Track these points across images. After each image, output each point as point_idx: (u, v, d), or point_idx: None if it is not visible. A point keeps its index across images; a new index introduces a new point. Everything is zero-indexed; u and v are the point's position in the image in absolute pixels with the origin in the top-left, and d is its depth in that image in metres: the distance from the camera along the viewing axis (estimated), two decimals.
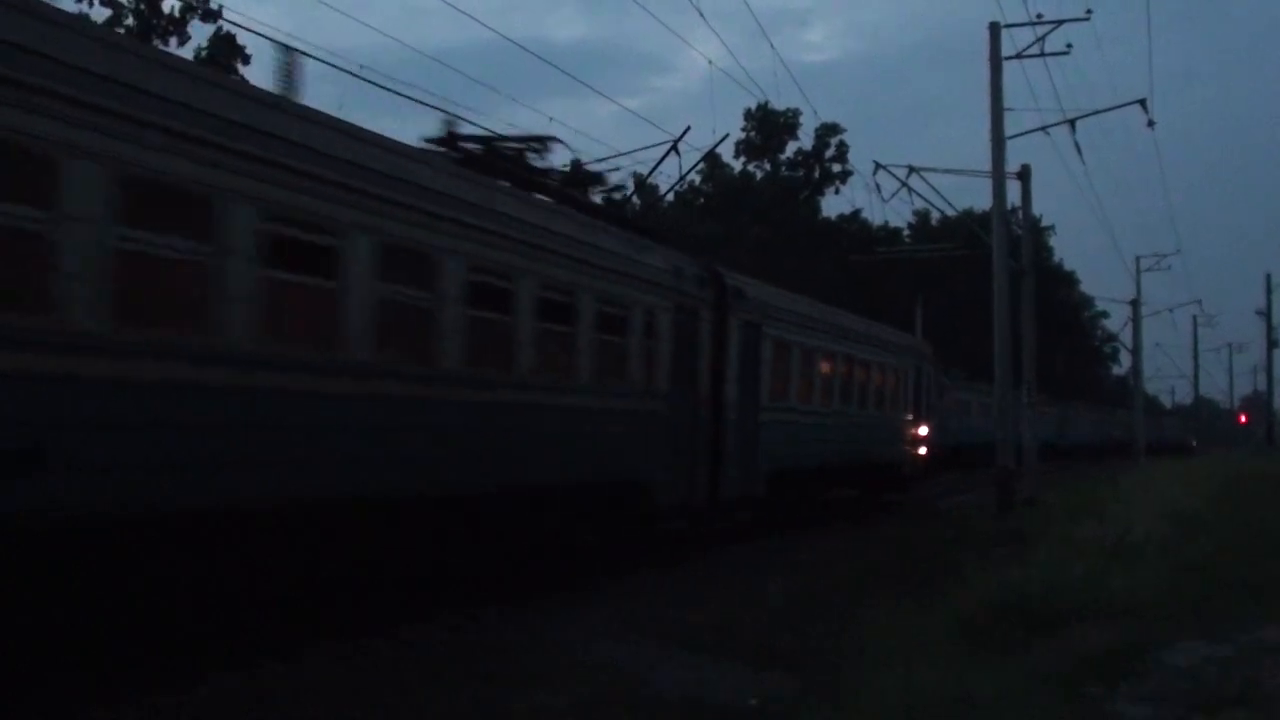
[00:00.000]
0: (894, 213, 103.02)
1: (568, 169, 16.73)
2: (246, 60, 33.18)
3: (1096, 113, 27.75)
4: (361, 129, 10.10)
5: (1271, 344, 64.53)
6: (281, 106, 9.51)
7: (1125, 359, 71.89)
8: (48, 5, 7.59)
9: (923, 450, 27.81)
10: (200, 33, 33.35)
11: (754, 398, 17.51)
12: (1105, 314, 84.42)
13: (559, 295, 12.39)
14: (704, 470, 15.89)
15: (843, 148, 59.49)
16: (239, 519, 8.37)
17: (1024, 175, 28.75)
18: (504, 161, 13.61)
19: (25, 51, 6.81)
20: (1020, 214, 30.67)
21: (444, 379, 10.58)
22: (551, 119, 59.14)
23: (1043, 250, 66.15)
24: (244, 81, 9.81)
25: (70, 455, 7.00)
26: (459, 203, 10.81)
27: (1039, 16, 25.00)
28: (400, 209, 9.90)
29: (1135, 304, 55.79)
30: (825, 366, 21.27)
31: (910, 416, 27.00)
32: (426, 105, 17.97)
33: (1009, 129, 25.03)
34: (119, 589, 7.69)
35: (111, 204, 7.29)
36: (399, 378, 10.00)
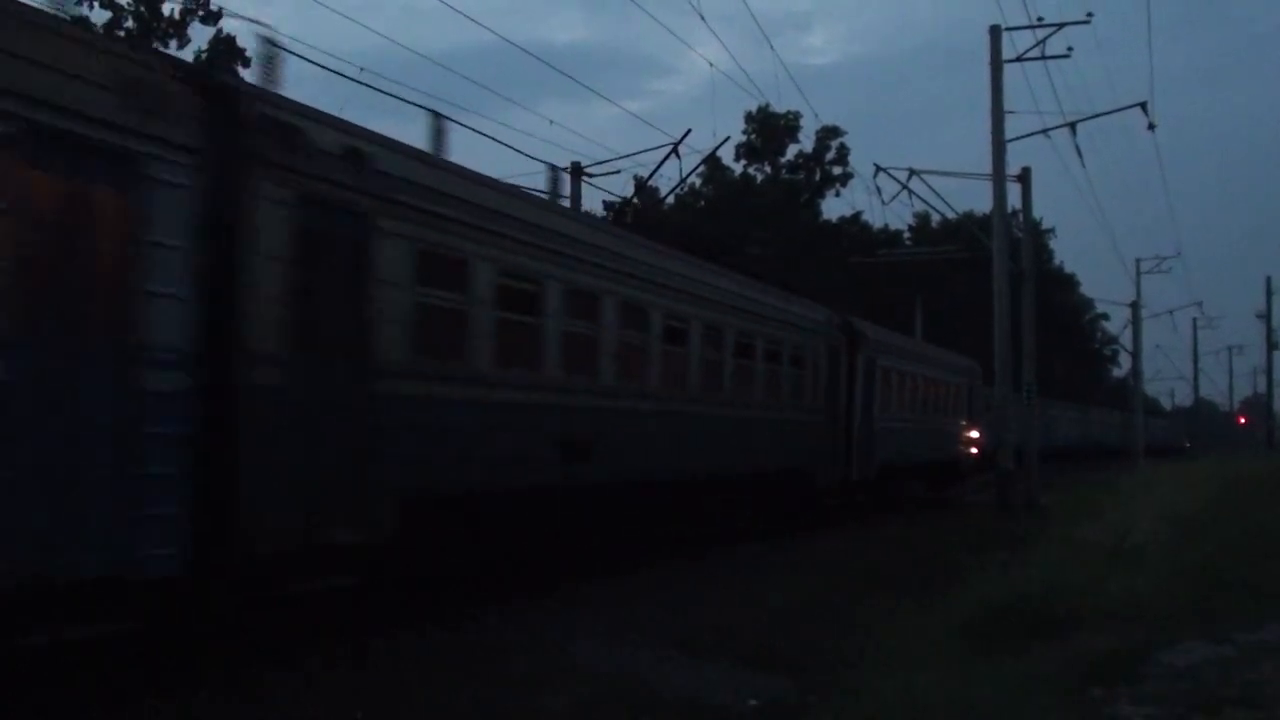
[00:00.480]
0: (894, 215, 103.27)
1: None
2: (247, 63, 33.21)
3: (1097, 115, 27.79)
4: (566, 209, 15.81)
5: (1271, 346, 64.68)
6: (512, 193, 13.19)
7: (1125, 361, 72.01)
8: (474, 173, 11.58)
9: (974, 450, 33.27)
10: (200, 34, 33.41)
11: (870, 411, 23.09)
12: (1105, 316, 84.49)
13: (771, 345, 18.52)
14: (841, 461, 21.83)
15: (843, 150, 59.45)
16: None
17: (1024, 178, 28.79)
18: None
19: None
20: (1021, 217, 30.70)
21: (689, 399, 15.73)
22: (552, 122, 59.24)
23: (1043, 253, 66.11)
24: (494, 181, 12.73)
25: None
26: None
27: (1040, 19, 25.10)
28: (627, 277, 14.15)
29: (1135, 306, 55.85)
30: (914, 386, 26.92)
31: (965, 423, 32.59)
32: (424, 108, 17.96)
33: (1010, 132, 25.13)
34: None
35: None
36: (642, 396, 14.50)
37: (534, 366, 12.04)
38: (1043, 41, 24.98)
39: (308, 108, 9.47)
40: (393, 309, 9.74)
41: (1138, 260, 56.10)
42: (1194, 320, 70.95)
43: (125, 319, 7.42)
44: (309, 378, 8.84)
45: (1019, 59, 25.28)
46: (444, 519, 10.54)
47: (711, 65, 43.28)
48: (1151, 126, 28.01)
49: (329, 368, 9.11)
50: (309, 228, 8.87)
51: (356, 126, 9.89)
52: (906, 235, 59.80)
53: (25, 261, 6.80)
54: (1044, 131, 26.81)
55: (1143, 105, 26.89)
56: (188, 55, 31.05)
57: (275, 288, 8.56)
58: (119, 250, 7.43)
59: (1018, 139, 26.03)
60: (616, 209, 30.95)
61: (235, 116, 8.39)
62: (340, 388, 9.20)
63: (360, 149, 9.56)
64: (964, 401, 32.61)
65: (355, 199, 9.38)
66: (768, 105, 53.35)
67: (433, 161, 11.62)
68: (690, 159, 23.23)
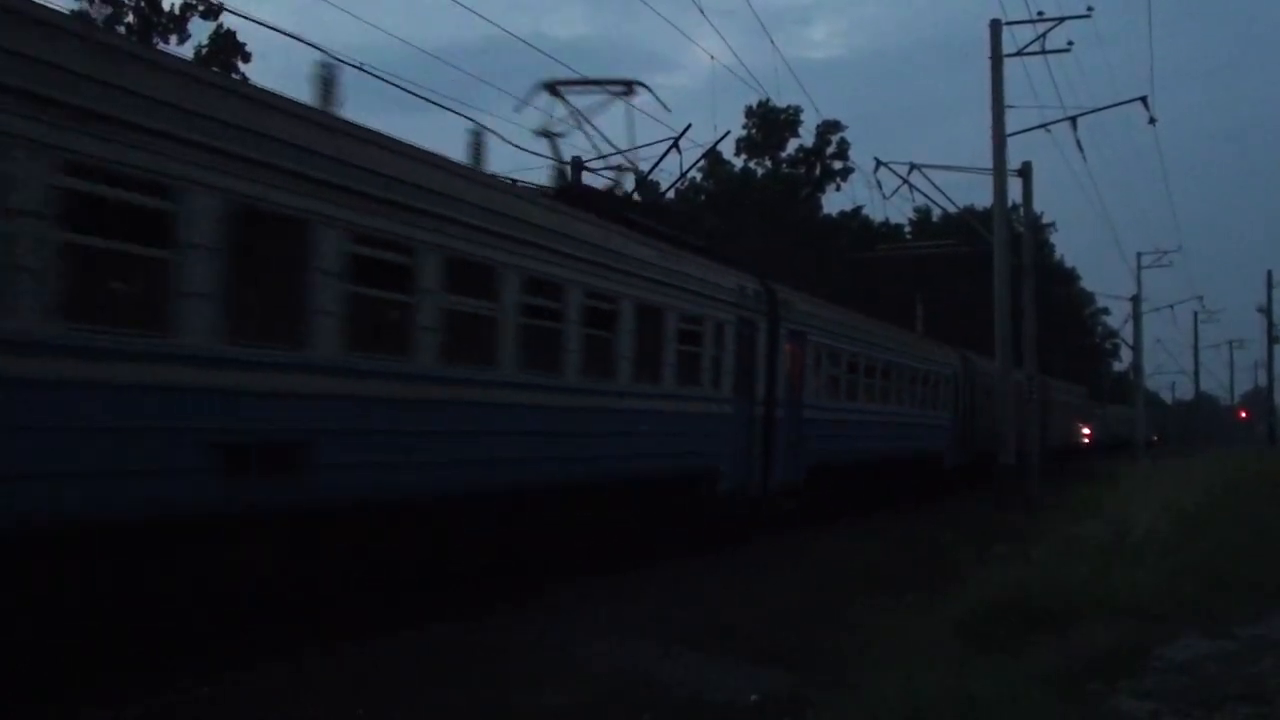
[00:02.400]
0: (895, 210, 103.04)
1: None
2: (247, 59, 33.18)
3: (1098, 110, 28.02)
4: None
5: (1272, 340, 64.58)
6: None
7: (1126, 355, 71.98)
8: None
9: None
10: (200, 30, 33.34)
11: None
12: (1106, 311, 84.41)
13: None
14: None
15: (844, 145, 59.35)
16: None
17: (1025, 172, 28.76)
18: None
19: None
20: (1021, 211, 30.67)
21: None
22: (552, 116, 59.11)
23: (1044, 247, 66.08)
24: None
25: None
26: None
27: (1040, 14, 25.03)
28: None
29: (1136, 300, 55.89)
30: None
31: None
32: (429, 101, 18.01)
33: (1010, 126, 25.07)
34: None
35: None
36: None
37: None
38: (1043, 36, 24.94)
39: (788, 289, 20.14)
40: (815, 376, 20.94)
41: (1138, 254, 56.35)
42: (1195, 314, 70.87)
43: (756, 387, 18.11)
44: (788, 409, 19.16)
45: (1019, 53, 25.25)
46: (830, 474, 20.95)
47: (712, 59, 43.25)
48: (1152, 121, 27.94)
49: (788, 406, 19.13)
50: (792, 342, 19.58)
51: (799, 294, 20.97)
52: (907, 230, 59.81)
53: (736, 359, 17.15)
54: (1045, 126, 26.76)
55: (1143, 99, 26.81)
56: (187, 51, 31.02)
57: (783, 370, 19.01)
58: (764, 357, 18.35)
59: (1018, 133, 25.95)
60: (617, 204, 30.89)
61: (775, 301, 18.81)
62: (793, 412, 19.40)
63: (804, 307, 20.57)
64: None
65: (802, 328, 20.11)
66: (768, 100, 53.32)
67: (828, 308, 23.04)
68: (691, 153, 23.14)
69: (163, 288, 7.85)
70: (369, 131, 10.20)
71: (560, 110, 17.17)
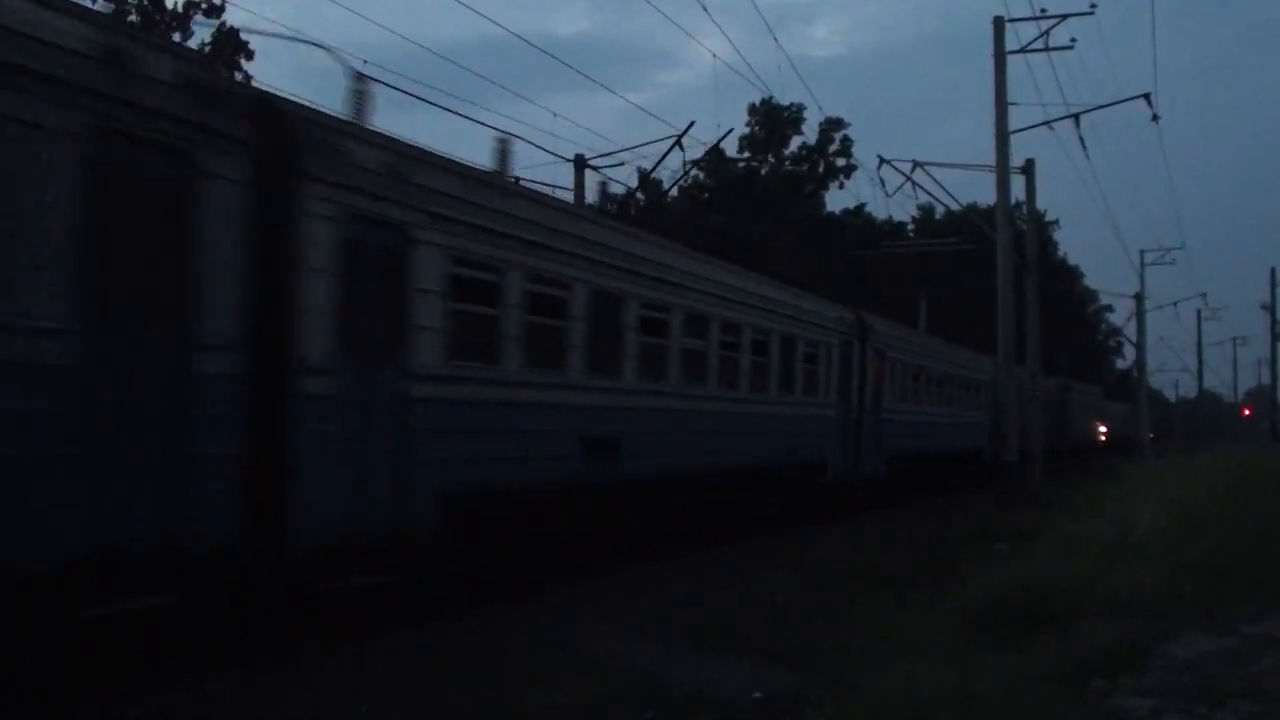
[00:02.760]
0: (898, 207, 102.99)
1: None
2: (250, 56, 33.20)
3: (1101, 107, 27.74)
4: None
5: (1276, 337, 64.33)
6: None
7: (1129, 353, 71.80)
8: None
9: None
10: (201, 30, 33.35)
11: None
12: (1110, 308, 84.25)
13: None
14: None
15: (847, 142, 59.24)
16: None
17: (1028, 170, 28.73)
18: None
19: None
20: (1024, 208, 30.63)
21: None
22: (555, 114, 59.17)
23: (1047, 244, 65.97)
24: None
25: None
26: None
27: (1043, 11, 25.01)
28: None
29: (1139, 298, 55.76)
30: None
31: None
32: (431, 103, 17.99)
33: (1013, 123, 25.04)
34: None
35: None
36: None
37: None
38: (1046, 33, 24.91)
39: (870, 315, 22.75)
40: (892, 385, 24.48)
41: (1142, 252, 56.02)
42: (1198, 312, 70.68)
43: (852, 396, 22.66)
44: (873, 413, 22.74)
45: (1022, 51, 25.22)
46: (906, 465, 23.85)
47: (715, 57, 43.30)
48: (1155, 118, 27.90)
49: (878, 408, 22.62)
50: (875, 358, 23.69)
51: (879, 319, 23.66)
52: (910, 227, 59.70)
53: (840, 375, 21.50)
54: (1048, 123, 26.73)
55: (1146, 96, 26.75)
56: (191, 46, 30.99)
57: (871, 382, 23.70)
58: (849, 369, 22.91)
59: (1021, 131, 25.92)
60: (619, 201, 30.91)
61: (864, 326, 23.14)
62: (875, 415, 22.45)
63: (883, 329, 23.22)
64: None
65: (883, 347, 23.69)
66: (771, 98, 53.20)
67: (900, 328, 23.19)
68: (694, 151, 23.21)
69: (560, 344, 12.82)
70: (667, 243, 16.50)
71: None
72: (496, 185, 12.98)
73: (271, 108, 9.41)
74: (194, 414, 7.98)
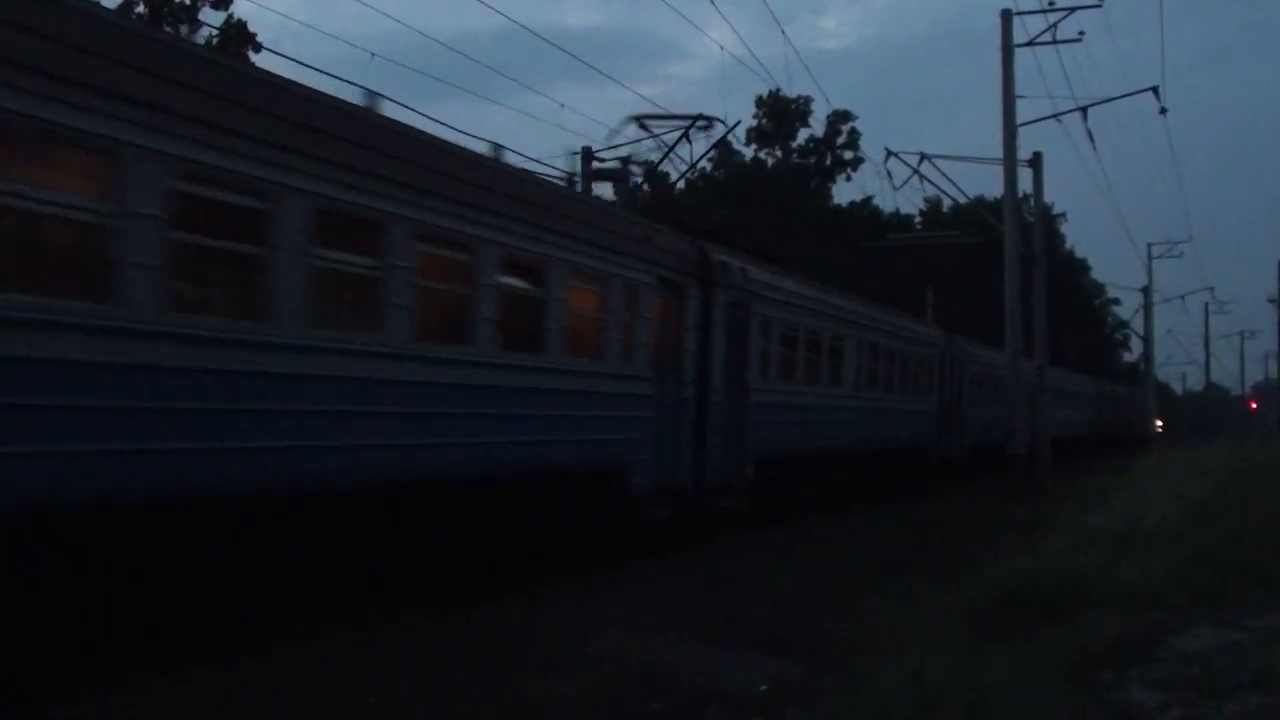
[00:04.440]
0: (905, 200, 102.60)
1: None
2: (258, 49, 33.21)
3: (1109, 100, 27.63)
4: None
5: None
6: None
7: (1137, 346, 71.68)
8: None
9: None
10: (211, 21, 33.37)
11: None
12: (1117, 301, 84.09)
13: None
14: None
15: (854, 135, 59.28)
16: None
17: (1036, 162, 28.65)
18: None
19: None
20: (1032, 201, 30.56)
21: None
22: (564, 105, 59.14)
23: (1054, 237, 65.76)
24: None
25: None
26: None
27: (1051, 3, 24.92)
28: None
29: (1147, 291, 55.67)
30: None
31: (939, 401, 28.02)
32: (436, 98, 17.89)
33: (1021, 116, 25.00)
34: None
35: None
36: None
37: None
38: (1054, 25, 24.86)
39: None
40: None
41: (1149, 245, 56.01)
42: (1206, 305, 70.66)
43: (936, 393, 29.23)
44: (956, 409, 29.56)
45: (1030, 43, 25.16)
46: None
47: (723, 49, 43.12)
48: (1163, 111, 27.76)
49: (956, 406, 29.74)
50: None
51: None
52: (917, 220, 59.62)
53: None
54: (1056, 116, 26.70)
55: (1154, 89, 26.67)
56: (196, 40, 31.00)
57: (951, 382, 30.83)
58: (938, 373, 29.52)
59: (1029, 123, 25.93)
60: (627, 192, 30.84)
61: (952, 342, 30.80)
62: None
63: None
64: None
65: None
66: (778, 90, 53.19)
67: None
68: (701, 143, 23.16)
69: (810, 368, 19.96)
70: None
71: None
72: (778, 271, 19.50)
73: (706, 255, 16.16)
74: (681, 417, 15.17)
